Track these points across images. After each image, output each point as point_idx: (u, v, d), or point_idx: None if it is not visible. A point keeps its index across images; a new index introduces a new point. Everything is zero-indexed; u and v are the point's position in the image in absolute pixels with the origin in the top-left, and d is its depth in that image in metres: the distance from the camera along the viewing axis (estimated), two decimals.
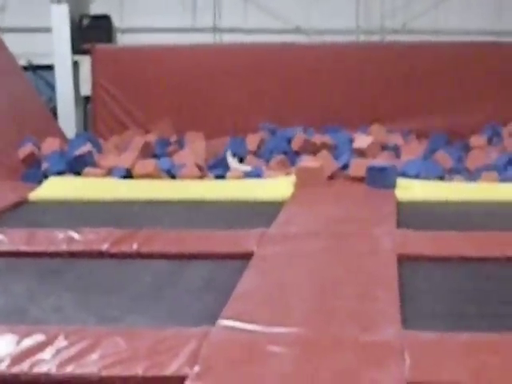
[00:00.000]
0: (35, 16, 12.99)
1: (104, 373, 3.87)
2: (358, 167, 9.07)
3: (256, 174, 9.49)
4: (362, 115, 11.48)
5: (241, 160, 10.28)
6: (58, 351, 4.07)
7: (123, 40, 13.32)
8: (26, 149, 10.01)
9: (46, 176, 9.43)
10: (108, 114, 12.27)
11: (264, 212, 7.50)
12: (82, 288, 5.39)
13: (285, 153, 10.24)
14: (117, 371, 3.88)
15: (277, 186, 8.74)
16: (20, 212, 7.87)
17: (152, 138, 11.06)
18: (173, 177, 9.59)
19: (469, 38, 12.05)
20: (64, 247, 6.22)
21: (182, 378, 3.77)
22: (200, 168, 9.66)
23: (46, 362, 3.96)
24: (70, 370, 3.90)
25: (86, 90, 12.69)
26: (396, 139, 10.81)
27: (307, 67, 11.95)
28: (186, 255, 6.05)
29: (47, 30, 12.53)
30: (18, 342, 4.16)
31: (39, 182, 9.07)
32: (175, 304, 5.05)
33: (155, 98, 12.05)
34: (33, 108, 11.22)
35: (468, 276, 5.58)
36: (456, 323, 4.61)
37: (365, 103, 11.73)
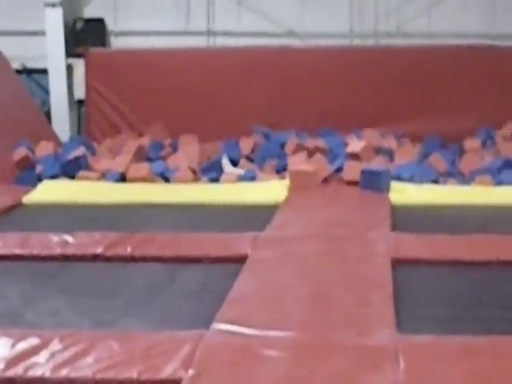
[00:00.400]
0: (29, 19, 12.98)
1: (98, 376, 3.87)
2: (352, 171, 9.08)
3: (250, 178, 9.49)
4: (356, 119, 11.49)
5: (234, 164, 10.27)
6: (53, 355, 4.07)
7: (117, 43, 13.31)
8: (20, 152, 9.99)
9: (40, 179, 9.42)
10: (102, 117, 12.27)
11: (258, 215, 7.50)
12: (77, 291, 5.39)
13: (278, 157, 10.23)
14: (111, 375, 3.88)
15: (271, 190, 8.73)
16: (14, 215, 7.87)
17: (146, 141, 11.05)
18: (167, 180, 9.59)
19: (463, 41, 12.06)
20: (58, 251, 6.21)
21: (177, 382, 3.78)
22: (194, 171, 9.65)
23: (41, 366, 3.96)
24: (64, 373, 3.90)
25: (79, 93, 12.72)
26: (390, 143, 10.81)
27: (301, 71, 11.96)
28: (180, 259, 6.05)
29: (41, 33, 12.56)
30: (13, 346, 4.16)
31: (33, 186, 9.05)
32: (170, 307, 5.05)
33: (149, 101, 12.05)
34: (27, 111, 11.20)
35: (462, 279, 5.58)
36: (450, 327, 4.61)
37: (359, 107, 11.75)
